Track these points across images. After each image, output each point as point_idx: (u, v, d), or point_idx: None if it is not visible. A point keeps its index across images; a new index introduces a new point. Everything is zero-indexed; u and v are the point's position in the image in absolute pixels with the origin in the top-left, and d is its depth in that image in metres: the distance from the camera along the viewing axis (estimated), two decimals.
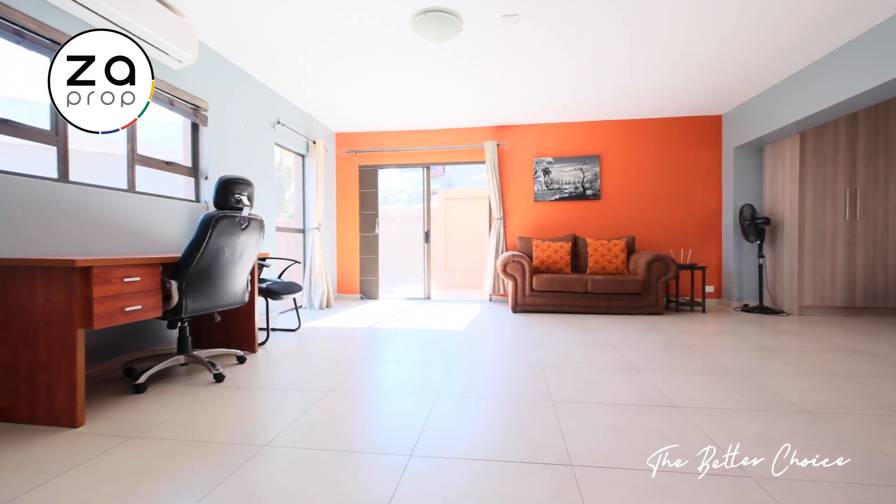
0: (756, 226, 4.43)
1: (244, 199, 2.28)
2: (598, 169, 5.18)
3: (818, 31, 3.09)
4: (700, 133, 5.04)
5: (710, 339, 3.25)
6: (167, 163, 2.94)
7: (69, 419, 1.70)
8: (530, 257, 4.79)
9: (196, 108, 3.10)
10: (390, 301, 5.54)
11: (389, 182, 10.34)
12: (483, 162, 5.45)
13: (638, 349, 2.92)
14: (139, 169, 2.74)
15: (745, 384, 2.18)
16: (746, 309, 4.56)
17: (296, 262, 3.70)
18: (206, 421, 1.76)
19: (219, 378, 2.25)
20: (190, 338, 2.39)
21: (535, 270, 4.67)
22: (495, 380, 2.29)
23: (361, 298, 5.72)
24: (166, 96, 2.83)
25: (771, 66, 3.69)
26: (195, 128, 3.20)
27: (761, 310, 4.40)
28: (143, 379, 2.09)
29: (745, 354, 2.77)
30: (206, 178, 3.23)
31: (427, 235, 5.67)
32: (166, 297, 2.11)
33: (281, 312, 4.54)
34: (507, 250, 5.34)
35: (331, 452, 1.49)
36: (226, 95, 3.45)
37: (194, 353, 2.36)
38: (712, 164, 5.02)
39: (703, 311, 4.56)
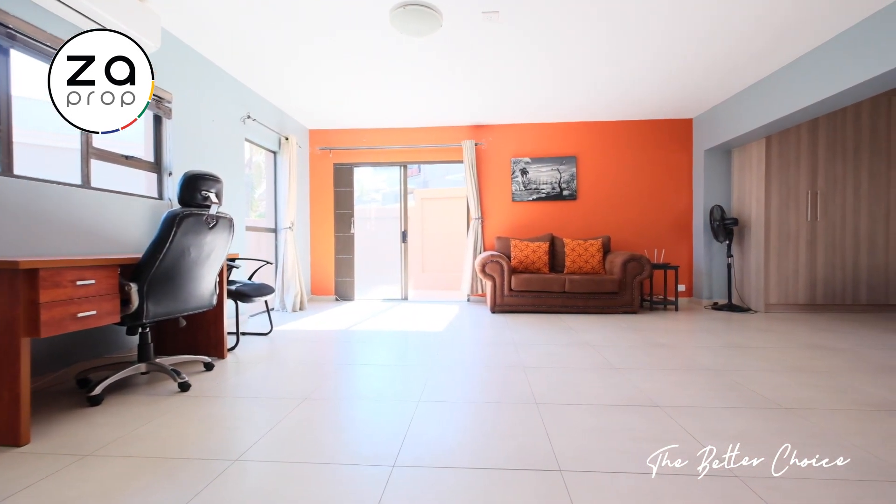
0: (725, 226, 4.58)
1: (212, 196, 2.14)
2: (574, 169, 5.23)
3: (783, 41, 3.21)
4: (672, 136, 5.17)
5: (685, 337, 3.31)
6: (126, 157, 2.75)
7: (12, 437, 1.54)
8: (508, 257, 4.78)
9: (159, 100, 2.91)
10: (366, 302, 5.42)
11: (364, 182, 10.17)
12: (461, 161, 5.41)
13: (616, 348, 2.94)
14: (95, 163, 2.54)
15: (723, 382, 2.21)
16: (716, 307, 4.70)
17: (267, 262, 3.54)
18: (169, 435, 1.63)
19: (184, 387, 2.10)
20: (152, 344, 2.23)
21: (514, 270, 4.66)
22: (478, 383, 2.24)
23: (336, 300, 5.57)
24: None
25: (739, 72, 3.81)
26: (158, 120, 3.00)
27: (730, 308, 4.55)
28: (98, 390, 1.93)
29: (720, 352, 2.83)
30: (171, 174, 3.04)
31: (404, 235, 5.58)
32: (125, 301, 1.95)
33: (252, 315, 4.36)
34: (485, 250, 5.31)
35: (308, 465, 1.40)
36: (192, 87, 3.26)
37: (157, 360, 2.20)
38: (683, 166, 5.16)
39: (676, 309, 4.68)
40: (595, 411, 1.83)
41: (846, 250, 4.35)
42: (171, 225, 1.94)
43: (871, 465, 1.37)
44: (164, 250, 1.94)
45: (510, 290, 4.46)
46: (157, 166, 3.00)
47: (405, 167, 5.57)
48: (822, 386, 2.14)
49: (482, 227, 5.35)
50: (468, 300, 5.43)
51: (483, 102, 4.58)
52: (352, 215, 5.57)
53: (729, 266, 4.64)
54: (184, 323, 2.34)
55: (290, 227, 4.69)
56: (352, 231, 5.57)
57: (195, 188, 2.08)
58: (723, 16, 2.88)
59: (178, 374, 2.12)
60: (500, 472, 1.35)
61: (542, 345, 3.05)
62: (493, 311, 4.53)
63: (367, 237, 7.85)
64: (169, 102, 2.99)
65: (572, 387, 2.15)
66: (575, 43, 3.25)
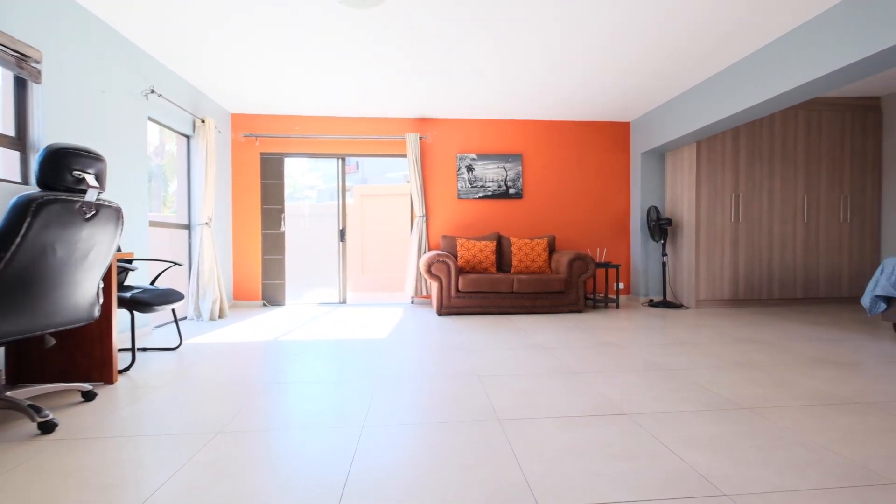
0: (660, 226, 4.75)
1: (89, 177, 1.66)
2: (520, 168, 5.16)
3: (712, 54, 3.32)
4: (612, 138, 5.29)
5: (631, 335, 3.32)
6: None
7: None
8: (455, 257, 4.57)
9: (22, 58, 2.29)
10: (300, 307, 4.92)
11: (297, 177, 9.47)
12: (404, 155, 5.12)
13: (569, 350, 2.83)
14: None
15: (679, 382, 2.16)
16: (652, 304, 4.87)
17: (176, 263, 2.99)
18: (14, 501, 1.17)
19: (46, 428, 1.60)
20: (2, 370, 1.69)
21: (461, 271, 4.47)
22: (431, 398, 1.98)
23: (264, 305, 5.00)
24: None
25: (673, 79, 3.94)
26: (21, 83, 2.37)
27: (665, 304, 4.73)
28: None
29: (666, 349, 2.83)
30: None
31: (342, 234, 5.16)
32: None
33: (157, 327, 3.72)
34: (429, 249, 5.07)
35: None
36: (71, 47, 2.64)
37: (7, 393, 1.66)
38: (622, 167, 5.31)
39: (617, 307, 4.77)
40: (563, 425, 1.65)
41: (762, 249, 4.71)
42: (22, 214, 1.44)
43: (844, 468, 1.32)
44: (13, 248, 1.44)
45: (458, 291, 4.25)
46: (20, 142, 2.37)
47: (343, 159, 5.15)
48: (767, 381, 2.16)
49: (427, 226, 5.09)
50: (412, 302, 5.15)
51: (428, 93, 4.32)
52: (282, 211, 5.04)
53: (664, 264, 4.82)
54: (52, 342, 1.81)
55: (206, 224, 4.09)
56: (282, 228, 5.04)
57: (62, 166, 1.59)
58: (668, 25, 2.89)
59: (39, 410, 1.61)
60: None
61: (495, 349, 2.87)
62: (440, 314, 4.30)
63: (300, 236, 7.26)
64: (37, 62, 2.37)
65: (534, 396, 1.97)
66: (523, 27, 3.10)
